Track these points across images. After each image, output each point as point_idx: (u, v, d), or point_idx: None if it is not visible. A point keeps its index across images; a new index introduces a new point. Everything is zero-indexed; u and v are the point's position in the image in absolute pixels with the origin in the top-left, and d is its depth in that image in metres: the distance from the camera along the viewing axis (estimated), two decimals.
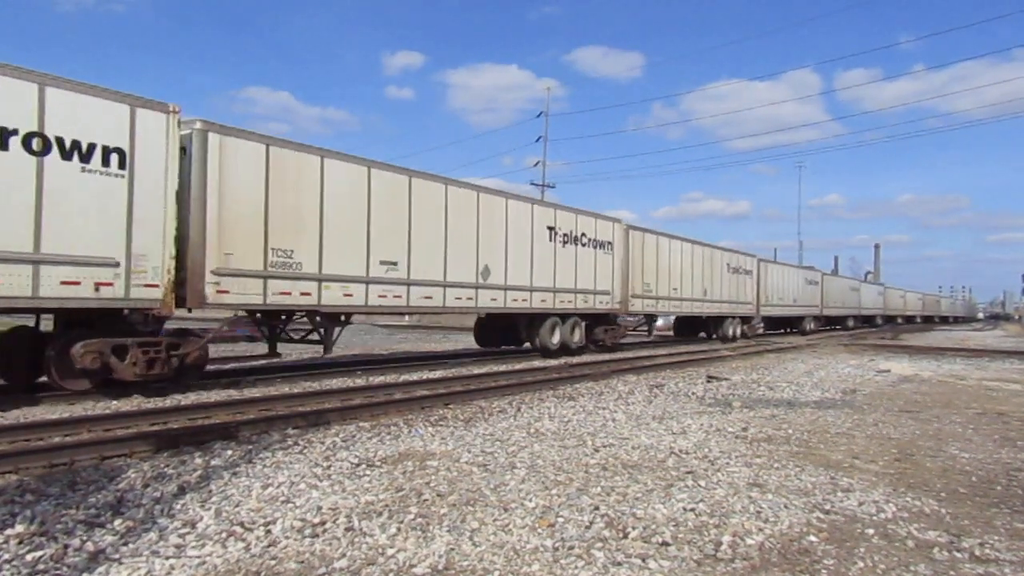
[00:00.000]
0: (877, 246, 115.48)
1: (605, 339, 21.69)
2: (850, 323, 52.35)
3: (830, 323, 49.38)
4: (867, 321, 58.96)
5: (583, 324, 20.35)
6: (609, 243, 21.75)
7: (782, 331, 41.97)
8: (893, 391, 13.02)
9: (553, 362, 17.40)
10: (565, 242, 19.73)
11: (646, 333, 26.62)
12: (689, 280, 26.75)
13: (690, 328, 31.11)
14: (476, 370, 15.25)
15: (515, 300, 17.82)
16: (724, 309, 29.97)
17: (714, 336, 29.89)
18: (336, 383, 12.55)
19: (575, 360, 18.23)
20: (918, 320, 79.48)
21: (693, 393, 12.04)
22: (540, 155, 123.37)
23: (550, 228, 19.19)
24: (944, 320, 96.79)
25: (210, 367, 12.57)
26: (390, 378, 13.43)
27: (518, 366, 16.41)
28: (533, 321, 18.80)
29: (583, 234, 20.57)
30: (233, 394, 10.97)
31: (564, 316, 19.53)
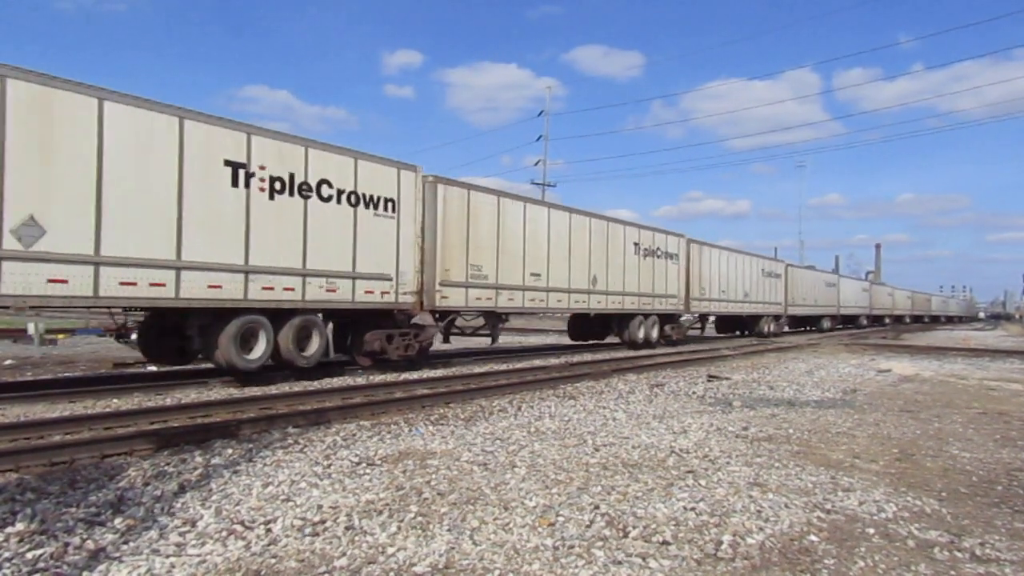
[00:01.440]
0: (878, 245, 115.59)
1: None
2: (825, 324, 46.12)
3: (800, 323, 44.41)
4: (849, 322, 53.47)
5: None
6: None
7: (736, 334, 35.63)
8: (894, 391, 13.01)
9: (550, 361, 17.40)
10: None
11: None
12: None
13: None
14: (477, 369, 15.25)
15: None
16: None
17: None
18: (336, 381, 12.56)
19: (575, 359, 18.25)
20: (907, 320, 73.22)
21: (694, 392, 12.03)
22: (539, 154, 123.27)
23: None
24: (935, 320, 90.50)
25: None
26: (390, 376, 13.44)
27: (512, 366, 16.41)
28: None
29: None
30: (233, 392, 10.97)
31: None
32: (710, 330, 34.23)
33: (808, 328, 44.69)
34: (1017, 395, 12.67)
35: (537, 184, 49.98)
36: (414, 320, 15.55)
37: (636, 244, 23.63)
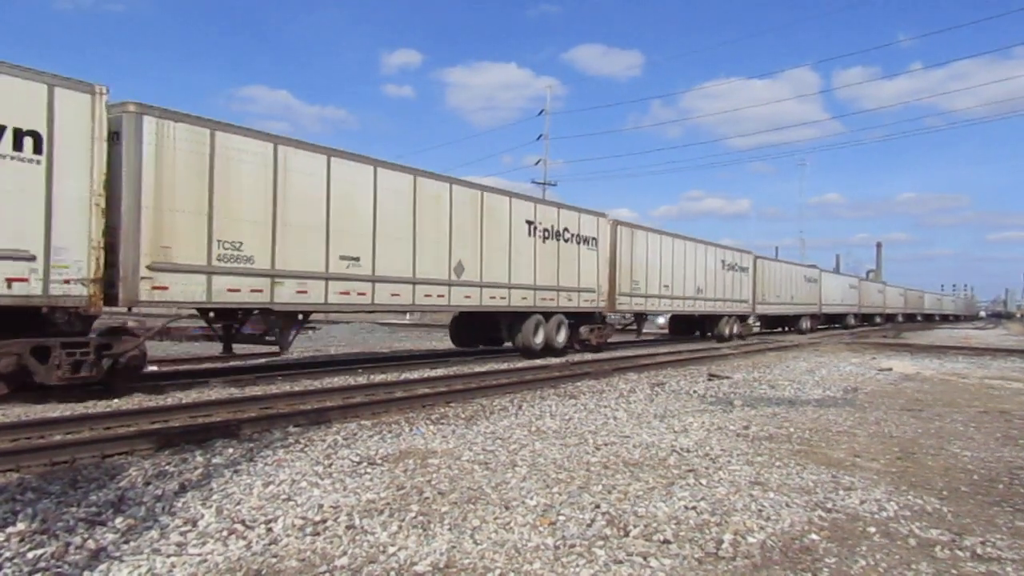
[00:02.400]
0: (879, 244, 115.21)
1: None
2: (804, 324, 40.46)
3: (776, 324, 40.79)
4: (834, 321, 49.32)
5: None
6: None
7: (696, 334, 30.63)
8: (895, 389, 13.00)
9: (551, 361, 17.39)
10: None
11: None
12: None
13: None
14: (477, 368, 15.25)
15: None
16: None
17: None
18: (337, 381, 12.56)
19: (576, 358, 18.21)
20: (899, 319, 68.64)
21: (694, 391, 12.03)
22: (539, 153, 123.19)
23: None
24: (929, 319, 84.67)
25: None
26: (391, 376, 13.43)
27: (512, 365, 16.40)
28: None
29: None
30: (234, 392, 10.97)
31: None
32: (651, 330, 32.55)
33: (786, 329, 40.46)
34: (1018, 394, 12.66)
35: (538, 183, 49.95)
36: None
37: (530, 223, 18.25)
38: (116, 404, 9.71)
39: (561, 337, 19.23)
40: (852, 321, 51.89)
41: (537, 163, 52.30)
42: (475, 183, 17.25)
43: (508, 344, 18.70)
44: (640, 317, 25.30)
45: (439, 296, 15.32)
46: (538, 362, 16.95)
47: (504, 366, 15.80)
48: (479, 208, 16.46)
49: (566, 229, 19.57)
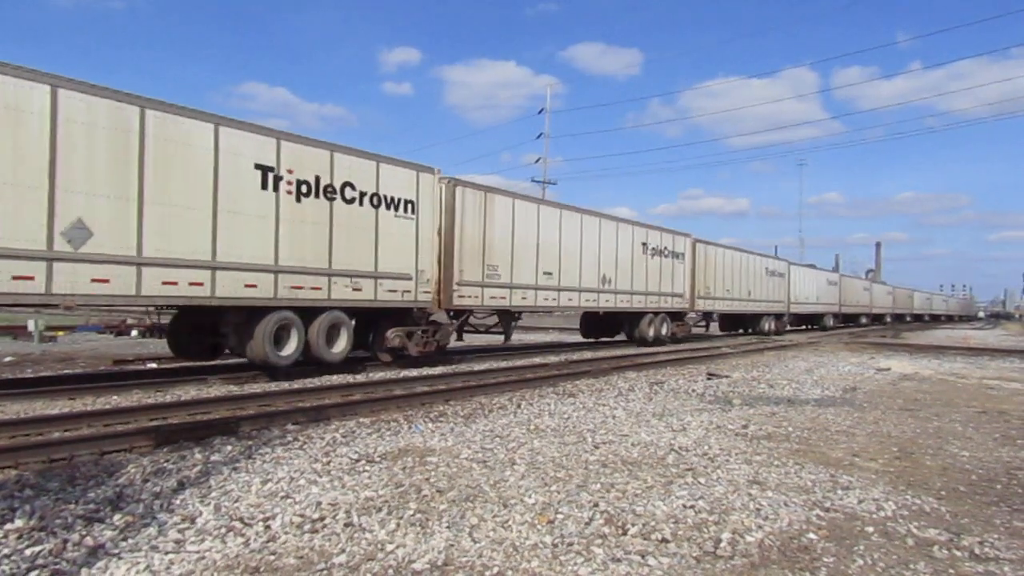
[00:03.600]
0: (878, 244, 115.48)
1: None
2: (768, 325, 34.90)
3: (733, 325, 35.52)
4: (809, 322, 44.90)
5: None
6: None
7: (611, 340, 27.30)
8: (893, 389, 13.01)
9: (549, 359, 17.37)
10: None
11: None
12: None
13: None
14: (476, 367, 15.25)
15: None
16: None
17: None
18: (336, 379, 12.55)
19: (575, 356, 18.24)
20: (888, 319, 64.09)
21: (693, 390, 12.03)
22: (538, 151, 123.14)
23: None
24: (918, 319, 79.61)
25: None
26: (390, 374, 13.43)
27: (554, 359, 16.41)
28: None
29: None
30: (233, 390, 10.97)
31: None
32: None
33: (746, 331, 34.97)
34: (1017, 394, 12.67)
35: (537, 182, 50.00)
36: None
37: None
38: (115, 401, 9.71)
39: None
40: (831, 322, 46.21)
41: (537, 161, 52.36)
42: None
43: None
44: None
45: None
46: (537, 360, 16.99)
47: (504, 364, 15.80)
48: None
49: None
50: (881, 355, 21.94)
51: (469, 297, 16.44)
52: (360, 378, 12.76)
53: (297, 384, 11.74)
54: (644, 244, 24.60)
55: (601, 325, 25.49)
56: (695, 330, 31.21)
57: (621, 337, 25.30)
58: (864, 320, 55.58)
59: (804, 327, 44.30)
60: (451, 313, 16.60)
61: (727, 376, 14.44)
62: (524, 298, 18.38)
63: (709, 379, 13.88)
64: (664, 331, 25.39)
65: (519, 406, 9.92)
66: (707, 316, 30.68)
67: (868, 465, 6.73)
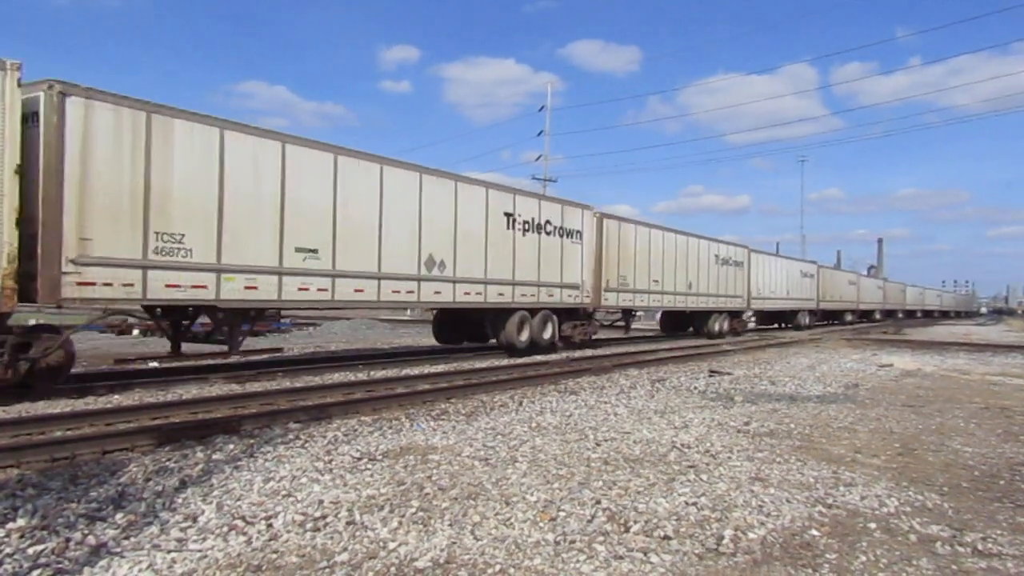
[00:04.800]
0: (880, 240, 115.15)
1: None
2: (717, 327, 28.28)
3: (678, 326, 29.55)
4: (781, 320, 39.25)
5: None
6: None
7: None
8: (895, 385, 13.00)
9: (551, 357, 17.38)
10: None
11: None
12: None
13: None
14: (478, 364, 15.25)
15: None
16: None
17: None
18: (338, 377, 12.56)
19: (577, 354, 18.21)
20: (877, 316, 58.58)
21: (695, 387, 12.02)
22: (538, 149, 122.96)
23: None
24: (910, 315, 74.39)
25: None
26: (391, 372, 13.44)
27: (512, 361, 16.40)
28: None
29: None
30: (235, 388, 10.98)
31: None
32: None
33: (692, 331, 29.06)
34: (1019, 390, 12.65)
35: (538, 179, 49.85)
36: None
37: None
38: (117, 400, 9.72)
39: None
40: (806, 320, 39.88)
41: (538, 159, 52.24)
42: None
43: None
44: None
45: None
46: (539, 358, 16.95)
47: (506, 362, 15.80)
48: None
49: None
50: (883, 351, 21.92)
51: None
52: (361, 376, 12.76)
53: (299, 383, 11.75)
54: (527, 222, 18.19)
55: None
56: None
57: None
58: (849, 317, 49.93)
59: (777, 326, 38.99)
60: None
61: (729, 373, 14.43)
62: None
63: (711, 376, 13.87)
64: (559, 333, 19.27)
65: (521, 404, 9.92)
66: (626, 314, 24.36)
67: (870, 461, 6.72)
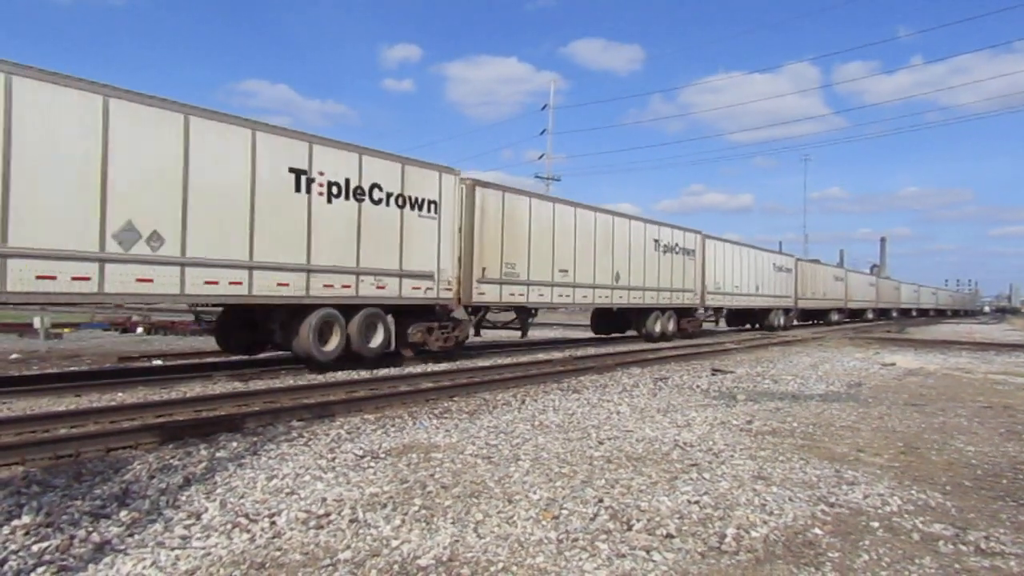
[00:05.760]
0: (883, 239, 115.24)
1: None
2: (659, 327, 23.95)
3: (616, 325, 25.29)
4: (750, 320, 35.24)
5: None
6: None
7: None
8: (898, 384, 12.98)
9: (553, 355, 17.38)
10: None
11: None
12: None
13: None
14: (481, 363, 15.26)
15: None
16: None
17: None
18: (341, 375, 12.58)
19: (579, 352, 18.25)
20: (869, 316, 54.96)
21: (697, 386, 12.02)
22: (541, 148, 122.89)
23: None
24: (905, 314, 70.45)
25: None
26: (394, 371, 13.45)
27: (559, 355, 16.41)
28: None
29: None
30: (238, 386, 11.00)
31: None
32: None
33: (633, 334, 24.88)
34: (1022, 388, 12.63)
35: (541, 178, 49.90)
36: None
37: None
38: (121, 398, 9.75)
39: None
40: (780, 320, 35.55)
41: (541, 157, 52.21)
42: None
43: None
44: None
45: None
46: (541, 357, 16.99)
47: (508, 360, 15.81)
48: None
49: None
50: (886, 350, 21.89)
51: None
52: (364, 375, 12.78)
53: (302, 381, 11.77)
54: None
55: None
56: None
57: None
58: (835, 317, 45.98)
59: (749, 326, 35.33)
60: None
61: (731, 372, 14.42)
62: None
63: (713, 375, 13.87)
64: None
65: (523, 402, 9.92)
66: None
67: (873, 460, 6.72)
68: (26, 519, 4.49)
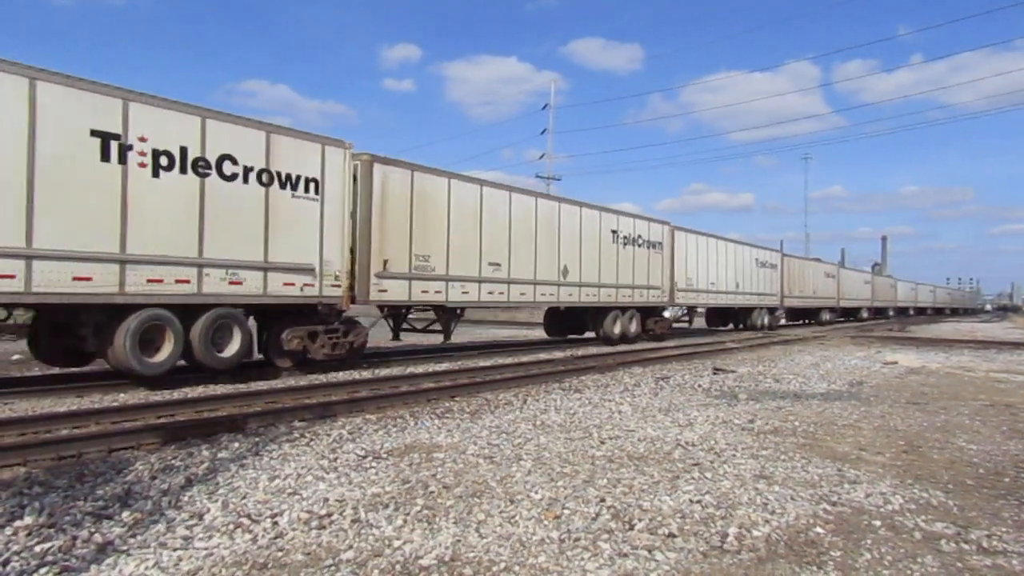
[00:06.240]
0: (884, 238, 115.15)
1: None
2: (618, 328, 21.57)
3: (572, 326, 22.62)
4: (733, 319, 32.77)
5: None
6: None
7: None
8: (900, 383, 12.97)
9: (555, 355, 17.38)
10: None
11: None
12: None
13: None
14: (482, 363, 15.26)
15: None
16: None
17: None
18: (342, 375, 12.58)
19: (580, 352, 18.24)
20: (864, 315, 52.77)
21: (699, 385, 12.02)
22: (541, 147, 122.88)
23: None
24: (902, 313, 68.10)
25: None
26: (396, 371, 13.46)
27: (542, 356, 16.41)
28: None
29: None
30: (240, 387, 11.00)
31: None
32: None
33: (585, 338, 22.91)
34: None
35: (542, 178, 49.88)
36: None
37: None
38: (123, 398, 9.75)
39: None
40: (765, 320, 33.03)
41: (541, 157, 52.19)
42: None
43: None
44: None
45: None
46: (542, 356, 16.99)
47: (509, 360, 15.81)
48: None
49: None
50: (888, 349, 21.87)
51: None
52: (366, 375, 12.78)
53: (303, 381, 11.77)
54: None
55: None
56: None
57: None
58: (827, 316, 43.13)
59: (731, 326, 33.05)
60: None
61: (733, 371, 14.42)
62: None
63: (715, 374, 13.86)
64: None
65: (525, 402, 9.93)
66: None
67: (875, 459, 6.72)
68: (28, 520, 4.49)
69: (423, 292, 14.83)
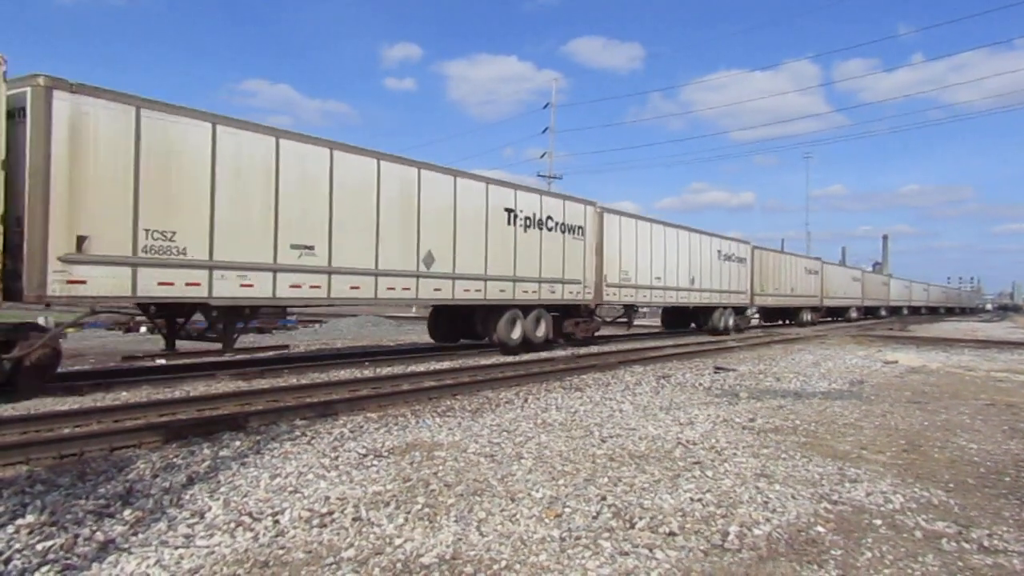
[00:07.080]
0: (885, 237, 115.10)
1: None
2: (517, 332, 17.15)
3: (462, 330, 18.34)
4: (692, 319, 28.86)
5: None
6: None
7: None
8: (901, 382, 12.97)
9: (556, 353, 17.38)
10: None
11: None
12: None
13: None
14: (483, 361, 15.27)
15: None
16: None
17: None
18: (344, 374, 12.59)
19: (582, 351, 18.22)
20: (852, 315, 49.11)
21: (700, 384, 12.02)
22: (542, 146, 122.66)
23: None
24: (895, 312, 64.55)
25: None
26: (397, 369, 13.46)
27: (518, 358, 16.41)
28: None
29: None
30: (241, 385, 11.02)
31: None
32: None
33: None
34: None
35: (543, 176, 49.82)
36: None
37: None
38: (125, 397, 9.76)
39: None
40: (730, 321, 28.90)
41: (542, 156, 52.15)
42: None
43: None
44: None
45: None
46: (544, 355, 16.94)
47: (511, 359, 15.82)
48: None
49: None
50: (888, 348, 21.86)
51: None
52: (367, 373, 12.79)
53: (305, 380, 11.78)
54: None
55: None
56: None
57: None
58: (808, 316, 38.96)
59: (693, 326, 29.10)
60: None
61: (734, 370, 14.42)
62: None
63: (716, 373, 13.86)
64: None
65: (526, 400, 9.93)
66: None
67: (876, 458, 6.72)
68: (30, 518, 4.50)
69: (163, 284, 10.28)
